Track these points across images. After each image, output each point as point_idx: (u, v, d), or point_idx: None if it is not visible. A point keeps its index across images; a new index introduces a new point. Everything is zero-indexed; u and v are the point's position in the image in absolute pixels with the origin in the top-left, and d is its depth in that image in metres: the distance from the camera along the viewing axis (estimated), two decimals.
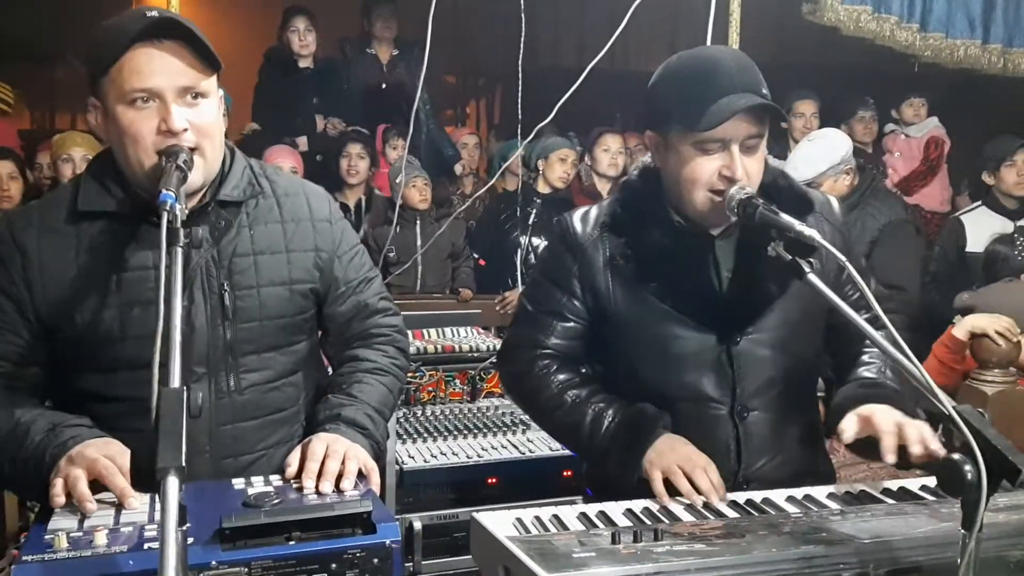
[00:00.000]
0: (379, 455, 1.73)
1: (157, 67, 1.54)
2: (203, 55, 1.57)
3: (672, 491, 1.66)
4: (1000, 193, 4.33)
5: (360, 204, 4.97)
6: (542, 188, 4.74)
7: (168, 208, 1.34)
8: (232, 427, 1.70)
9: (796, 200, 1.81)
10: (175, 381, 1.14)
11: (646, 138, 1.82)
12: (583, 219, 1.87)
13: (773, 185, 1.81)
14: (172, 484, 1.02)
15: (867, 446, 1.65)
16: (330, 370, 1.96)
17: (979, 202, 4.47)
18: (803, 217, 1.74)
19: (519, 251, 4.64)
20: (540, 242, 4.69)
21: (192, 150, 1.57)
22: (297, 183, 1.86)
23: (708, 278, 1.78)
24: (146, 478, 1.04)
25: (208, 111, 1.61)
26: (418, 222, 4.67)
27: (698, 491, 1.64)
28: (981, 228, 4.30)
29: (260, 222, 1.73)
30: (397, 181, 4.62)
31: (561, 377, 1.86)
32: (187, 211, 1.46)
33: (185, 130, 1.56)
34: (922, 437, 1.58)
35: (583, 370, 1.93)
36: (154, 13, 1.56)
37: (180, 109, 1.56)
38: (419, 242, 4.62)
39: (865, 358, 1.87)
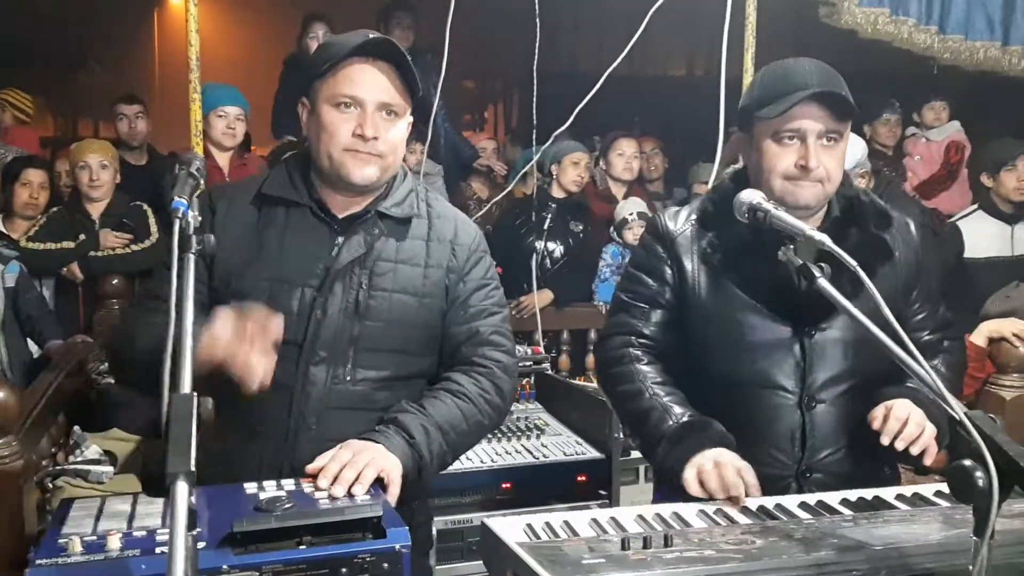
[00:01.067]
0: (422, 468, 1.74)
1: (366, 79, 1.77)
2: (407, 81, 1.80)
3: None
4: (998, 197, 4.27)
5: None
6: (556, 192, 4.74)
7: (181, 215, 1.36)
8: (340, 412, 1.78)
9: (877, 215, 1.93)
10: (185, 387, 1.16)
11: (734, 140, 1.95)
12: (674, 216, 1.99)
13: (857, 199, 1.93)
14: (181, 489, 1.03)
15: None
16: None
17: (975, 206, 4.40)
18: (883, 231, 1.91)
19: (535, 256, 4.64)
20: (556, 247, 4.69)
21: (377, 156, 1.78)
22: (452, 211, 2.01)
23: (788, 272, 1.81)
24: (157, 483, 1.06)
25: (398, 130, 1.82)
26: None
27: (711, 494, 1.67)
28: (978, 234, 4.24)
29: (409, 237, 1.87)
30: None
31: (647, 371, 1.93)
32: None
33: (376, 138, 1.77)
34: (909, 436, 1.70)
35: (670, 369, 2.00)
36: (376, 35, 1.80)
37: (377, 120, 1.77)
38: None
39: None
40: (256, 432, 1.77)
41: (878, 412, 1.76)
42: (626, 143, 5.08)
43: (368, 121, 1.76)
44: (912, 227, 1.99)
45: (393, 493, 1.63)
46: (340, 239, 1.82)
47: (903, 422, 1.72)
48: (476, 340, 1.89)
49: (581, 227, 4.78)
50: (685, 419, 1.83)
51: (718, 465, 1.70)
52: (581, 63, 7.50)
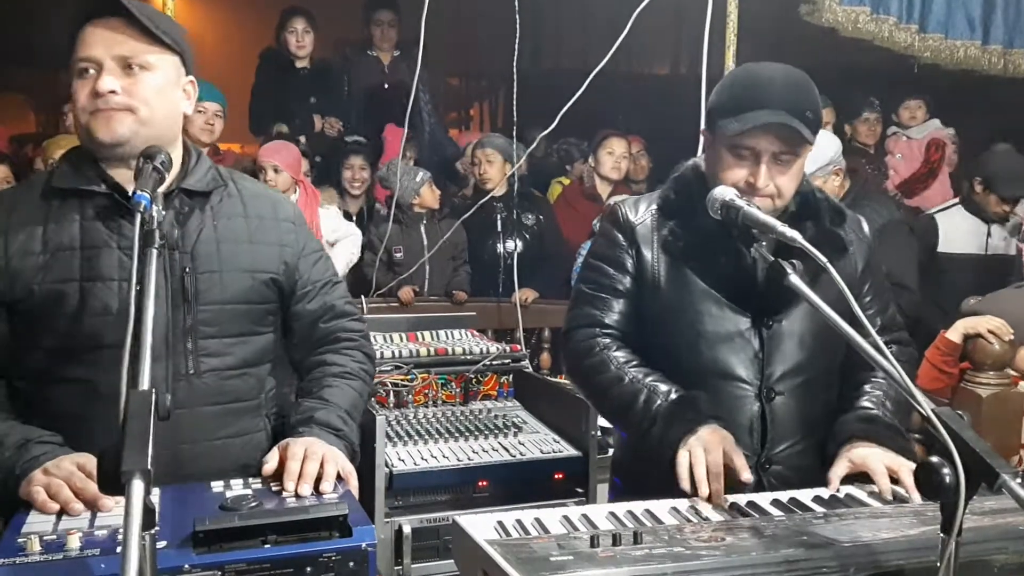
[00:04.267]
0: (353, 456, 1.74)
1: (98, 39, 1.63)
2: (153, 32, 1.64)
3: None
4: (980, 203, 4.28)
5: (362, 212, 4.97)
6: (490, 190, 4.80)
7: (143, 209, 1.34)
8: (189, 411, 1.69)
9: (832, 212, 1.95)
10: (144, 383, 1.14)
11: (701, 134, 1.96)
12: (634, 205, 2.00)
13: (812, 195, 1.95)
14: (137, 487, 1.01)
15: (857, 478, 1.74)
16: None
17: (956, 200, 4.39)
18: (838, 227, 1.93)
19: (498, 256, 4.71)
20: (513, 243, 4.74)
21: (124, 111, 1.63)
22: (262, 188, 1.92)
23: (747, 264, 1.85)
24: (112, 481, 1.04)
25: (149, 83, 1.66)
26: (424, 223, 4.67)
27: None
28: (954, 228, 4.24)
29: (224, 216, 1.77)
30: (417, 179, 4.62)
31: (622, 357, 1.92)
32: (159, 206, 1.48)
33: (113, 92, 1.62)
34: (911, 486, 1.64)
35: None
36: None
37: (113, 75, 1.63)
38: (425, 242, 4.62)
39: (867, 387, 1.93)
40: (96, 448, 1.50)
41: (839, 470, 1.74)
42: (616, 142, 5.08)
43: (102, 76, 1.62)
44: (863, 224, 2.01)
45: (354, 486, 1.61)
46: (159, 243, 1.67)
47: (889, 473, 1.69)
48: (332, 314, 1.89)
49: (533, 219, 4.79)
50: (673, 396, 1.82)
51: (709, 461, 1.67)
52: (565, 61, 7.50)
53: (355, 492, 1.59)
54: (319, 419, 1.72)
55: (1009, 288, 3.55)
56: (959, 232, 4.22)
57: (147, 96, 1.65)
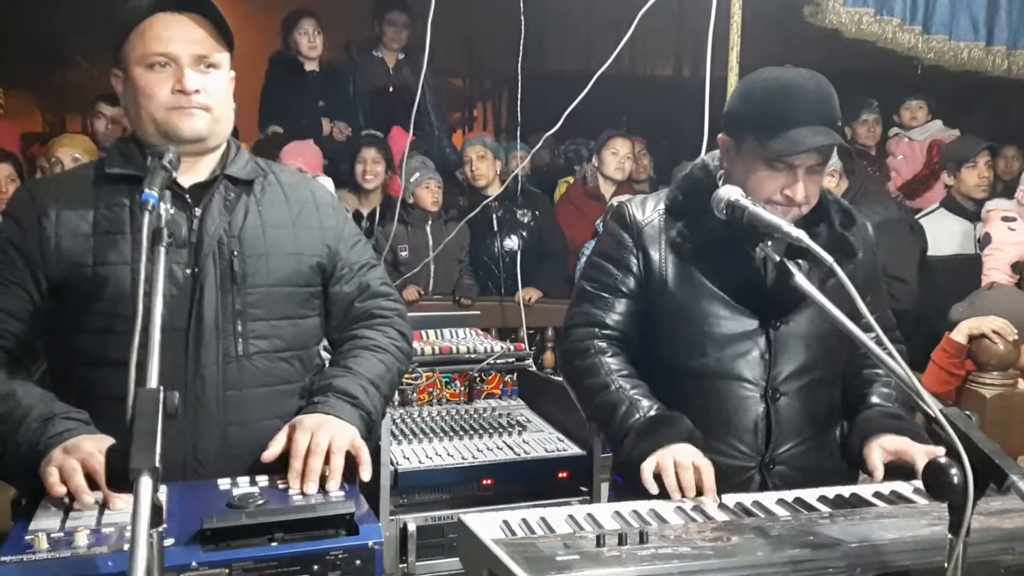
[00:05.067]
0: (371, 425, 1.74)
1: (175, 34, 1.67)
2: (219, 28, 1.70)
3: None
4: (959, 195, 4.29)
5: (375, 213, 4.93)
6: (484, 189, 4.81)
7: (150, 208, 1.34)
8: (239, 392, 1.71)
9: (842, 213, 1.96)
10: (152, 381, 1.14)
11: (719, 140, 1.93)
12: (641, 204, 1.99)
13: (824, 197, 1.95)
14: (145, 485, 1.01)
15: (896, 471, 1.77)
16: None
17: (938, 204, 4.44)
18: (847, 230, 1.94)
19: (496, 255, 4.72)
20: (511, 241, 4.76)
21: (202, 109, 1.69)
22: (301, 176, 1.96)
23: (756, 266, 1.86)
24: (120, 478, 1.04)
25: (219, 82, 1.73)
26: (429, 223, 4.69)
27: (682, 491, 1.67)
28: (940, 231, 4.26)
29: (267, 203, 1.80)
30: (412, 180, 4.65)
31: (613, 364, 1.92)
32: (161, 199, 1.47)
33: (197, 91, 1.68)
34: None
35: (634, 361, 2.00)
36: None
37: (193, 73, 1.67)
38: (430, 242, 4.63)
39: (877, 385, 1.96)
40: None
41: (877, 462, 1.77)
42: (620, 142, 5.07)
43: (186, 75, 1.66)
44: (870, 229, 2.03)
45: (365, 460, 1.60)
46: (197, 210, 1.72)
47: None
48: (368, 293, 1.91)
49: (529, 215, 4.80)
50: (653, 412, 1.82)
51: (677, 464, 1.69)
52: (569, 63, 7.50)
53: (367, 469, 1.59)
54: (337, 386, 1.73)
55: (984, 288, 3.55)
56: (946, 234, 4.25)
57: (219, 95, 1.73)
